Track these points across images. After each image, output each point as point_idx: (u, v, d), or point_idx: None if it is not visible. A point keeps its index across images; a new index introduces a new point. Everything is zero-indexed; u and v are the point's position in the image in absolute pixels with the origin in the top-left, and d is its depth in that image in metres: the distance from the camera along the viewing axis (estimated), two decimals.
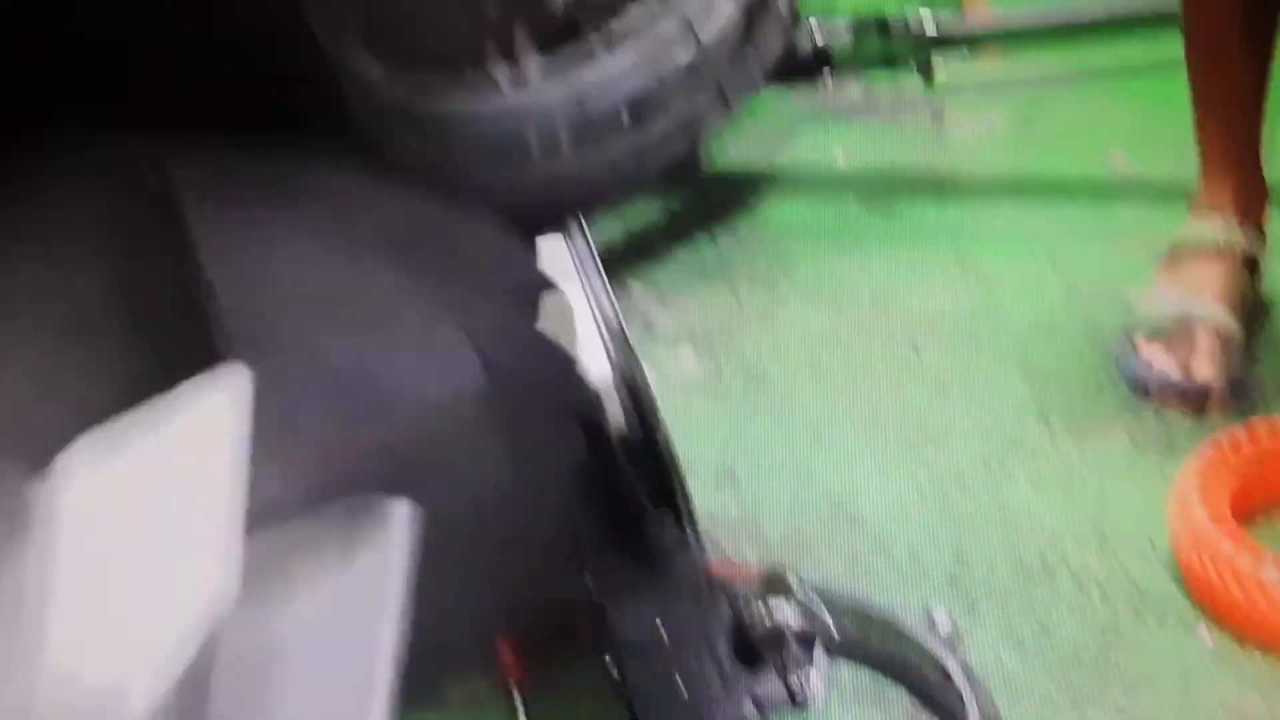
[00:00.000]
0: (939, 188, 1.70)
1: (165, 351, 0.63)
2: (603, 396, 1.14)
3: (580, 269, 1.30)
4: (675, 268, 1.55)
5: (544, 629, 1.15)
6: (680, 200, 1.64)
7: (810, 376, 1.42)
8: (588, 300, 1.26)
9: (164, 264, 0.66)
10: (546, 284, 0.79)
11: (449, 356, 0.68)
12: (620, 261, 1.51)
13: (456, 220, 0.78)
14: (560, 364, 0.81)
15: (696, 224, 1.61)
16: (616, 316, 1.23)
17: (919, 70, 1.68)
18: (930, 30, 1.63)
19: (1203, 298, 1.42)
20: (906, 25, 1.64)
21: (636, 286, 1.52)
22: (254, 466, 0.56)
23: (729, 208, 1.63)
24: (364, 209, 0.75)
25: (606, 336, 1.22)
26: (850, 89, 1.77)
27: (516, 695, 1.11)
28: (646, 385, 1.17)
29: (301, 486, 0.59)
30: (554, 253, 1.32)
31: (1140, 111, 1.82)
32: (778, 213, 1.64)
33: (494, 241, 0.79)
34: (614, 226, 1.58)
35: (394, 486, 0.61)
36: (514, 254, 0.81)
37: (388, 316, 0.69)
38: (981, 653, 1.14)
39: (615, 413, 1.14)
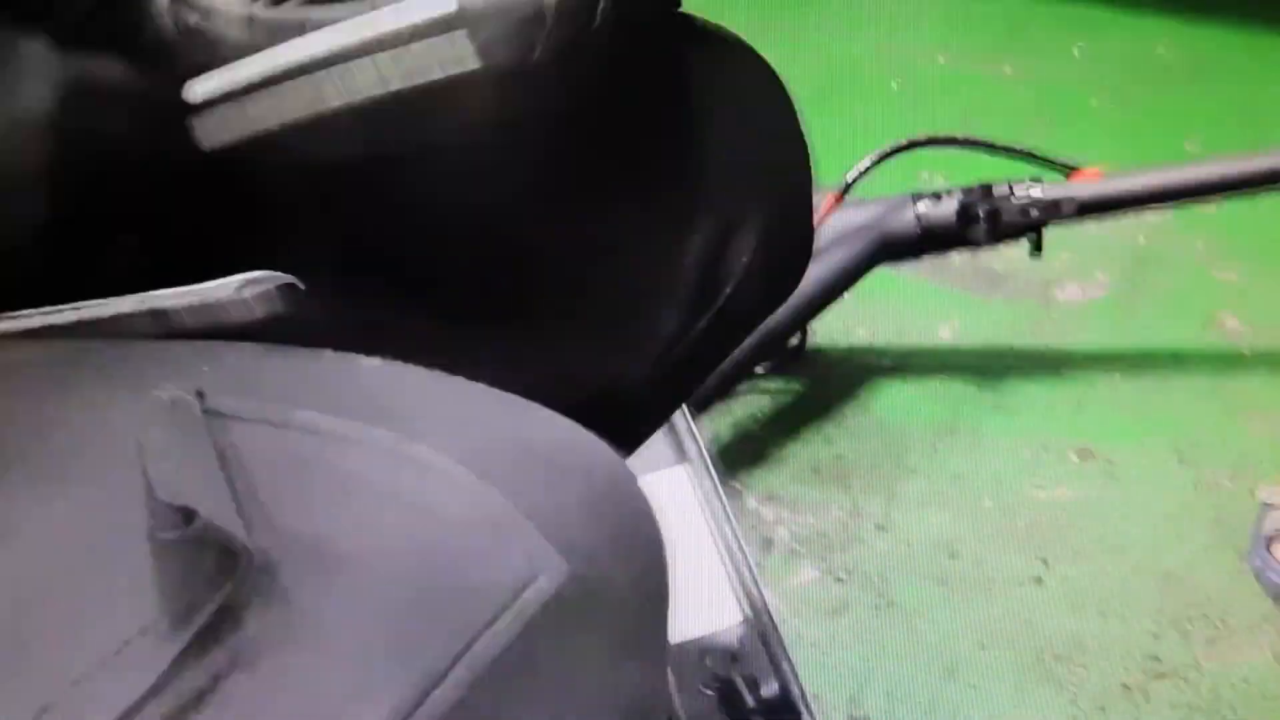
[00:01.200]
0: (1050, 363, 1.65)
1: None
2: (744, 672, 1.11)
3: (703, 506, 1.26)
4: (788, 470, 1.51)
5: None
6: (787, 388, 1.60)
7: (938, 594, 1.37)
8: (716, 547, 1.23)
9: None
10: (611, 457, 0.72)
11: (519, 545, 0.63)
12: (733, 466, 1.47)
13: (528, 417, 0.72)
14: (650, 551, 0.74)
15: (806, 416, 1.56)
16: (749, 568, 1.20)
17: (1026, 240, 1.62)
18: (1039, 201, 1.58)
19: None
20: (1012, 195, 1.59)
21: (750, 496, 1.48)
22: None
23: (837, 396, 1.59)
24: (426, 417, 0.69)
25: (741, 594, 1.18)
26: (953, 260, 1.72)
27: None
28: (789, 657, 1.13)
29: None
30: (675, 484, 1.29)
31: (1249, 270, 1.77)
32: (887, 399, 1.59)
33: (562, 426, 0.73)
34: (723, 423, 1.54)
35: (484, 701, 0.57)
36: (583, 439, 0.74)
37: (446, 499, 0.64)
38: None
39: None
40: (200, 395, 0.64)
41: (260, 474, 0.62)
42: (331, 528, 0.62)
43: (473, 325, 0.88)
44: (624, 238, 0.91)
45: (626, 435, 0.99)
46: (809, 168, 0.88)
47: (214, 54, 0.78)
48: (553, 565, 0.63)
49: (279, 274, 0.73)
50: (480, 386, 0.72)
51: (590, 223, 0.89)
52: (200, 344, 0.71)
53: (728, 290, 0.93)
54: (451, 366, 0.77)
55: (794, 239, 0.92)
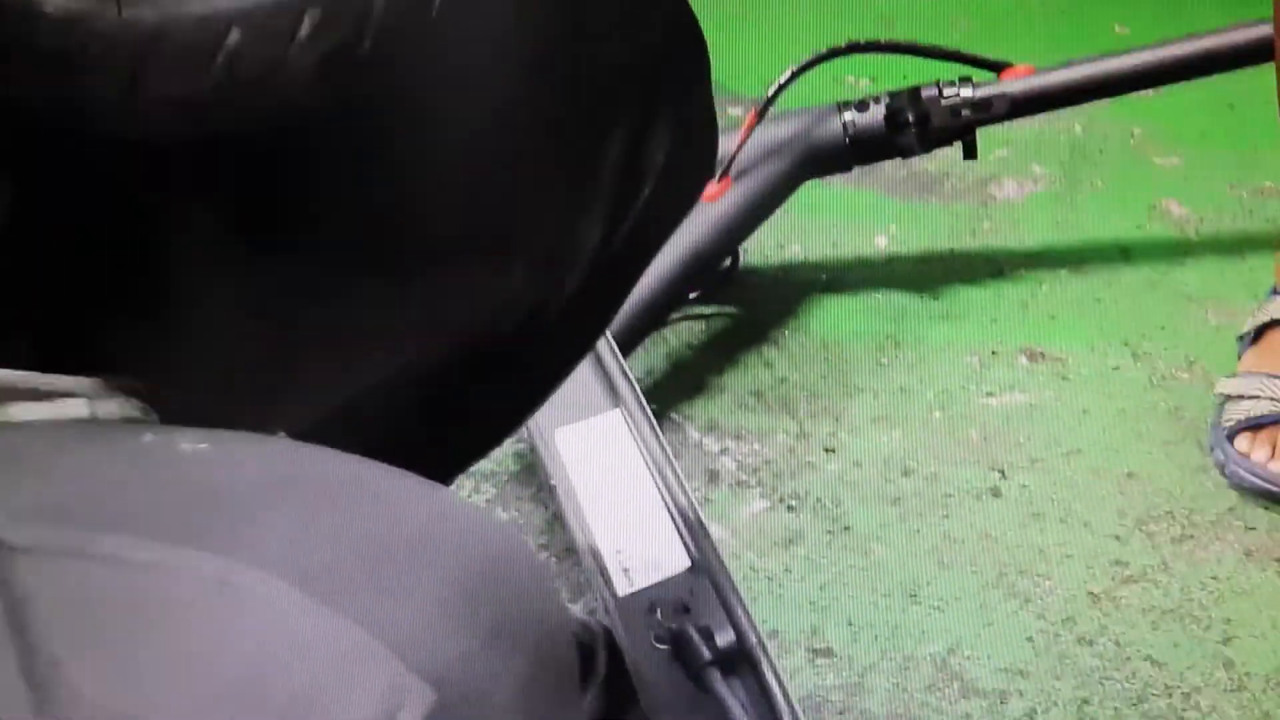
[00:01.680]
0: (993, 264, 1.59)
1: None
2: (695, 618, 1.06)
3: (642, 449, 1.20)
4: (729, 398, 1.45)
5: None
6: (722, 314, 1.53)
7: (893, 515, 1.32)
8: (659, 491, 1.17)
9: None
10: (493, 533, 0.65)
11: (373, 678, 0.56)
12: (671, 398, 1.41)
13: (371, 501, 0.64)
14: (543, 623, 0.66)
15: (743, 341, 1.50)
16: (694, 510, 1.14)
17: (959, 142, 1.56)
18: (970, 101, 1.51)
19: None
20: (942, 97, 1.52)
21: (692, 429, 1.42)
22: None
23: (775, 317, 1.53)
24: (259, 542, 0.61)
25: (689, 539, 1.13)
26: (884, 165, 1.66)
27: None
28: (742, 601, 1.07)
29: None
30: (611, 428, 1.23)
31: (1189, 154, 1.72)
32: (827, 317, 1.53)
33: (417, 497, 0.65)
34: (658, 356, 1.48)
35: None
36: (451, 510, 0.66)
37: (281, 636, 0.57)
38: None
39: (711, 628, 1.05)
40: None
41: (58, 625, 0.54)
42: (144, 685, 0.54)
43: (393, 266, 0.82)
44: (539, 152, 0.85)
45: (553, 366, 0.93)
46: (706, 54, 0.83)
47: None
48: (415, 694, 0.55)
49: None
50: (337, 459, 0.63)
51: (503, 142, 0.83)
52: None
53: (645, 191, 0.88)
54: (376, 310, 0.70)
55: (702, 127, 0.87)
